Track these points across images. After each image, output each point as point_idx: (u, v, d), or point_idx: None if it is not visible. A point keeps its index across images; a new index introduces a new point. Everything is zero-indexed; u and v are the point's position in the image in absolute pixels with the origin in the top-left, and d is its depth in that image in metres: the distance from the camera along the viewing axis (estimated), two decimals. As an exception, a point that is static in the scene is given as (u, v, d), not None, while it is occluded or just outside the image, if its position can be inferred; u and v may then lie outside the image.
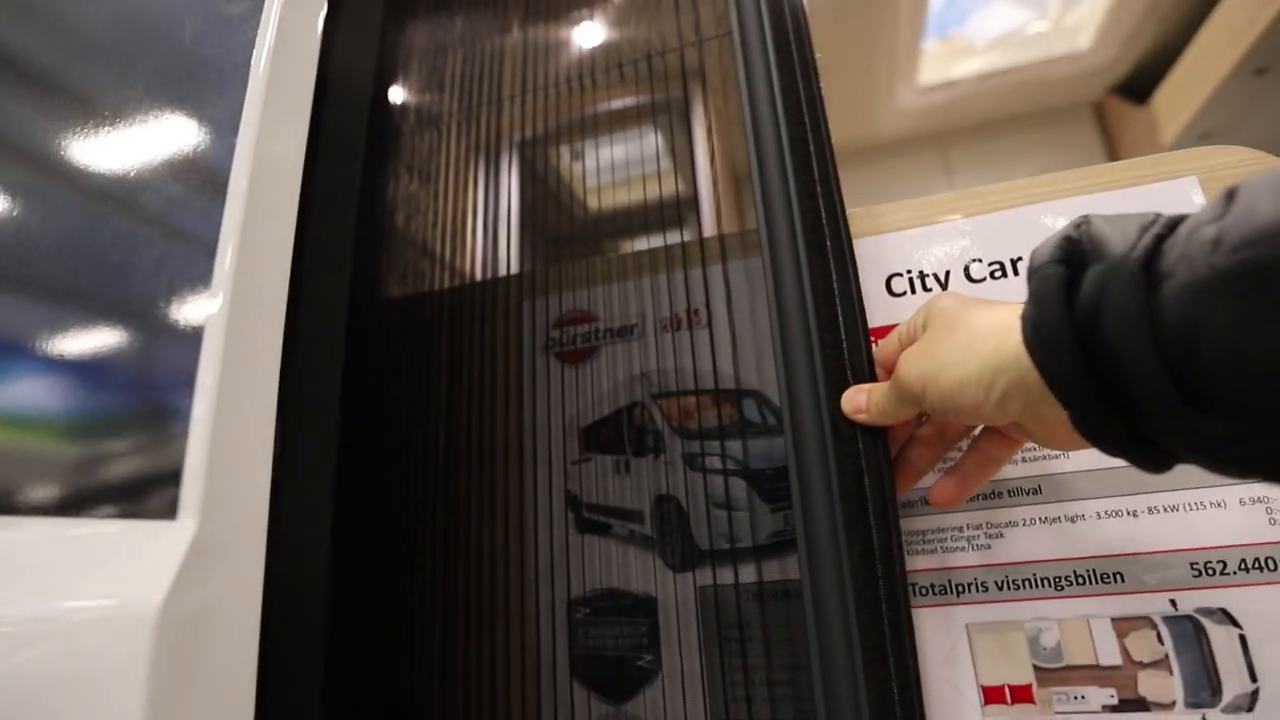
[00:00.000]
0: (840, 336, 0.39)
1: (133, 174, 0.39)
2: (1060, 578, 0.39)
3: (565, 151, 0.61)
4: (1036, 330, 0.26)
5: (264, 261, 0.34)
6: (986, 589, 0.40)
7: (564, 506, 0.50)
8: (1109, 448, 0.26)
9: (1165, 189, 0.43)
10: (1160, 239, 0.23)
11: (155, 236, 0.35)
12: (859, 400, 0.37)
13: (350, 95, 0.61)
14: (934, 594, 0.41)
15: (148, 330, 0.34)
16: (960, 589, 0.40)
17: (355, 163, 0.60)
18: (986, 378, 0.29)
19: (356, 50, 0.62)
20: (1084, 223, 0.27)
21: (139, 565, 0.24)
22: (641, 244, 0.55)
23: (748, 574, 0.45)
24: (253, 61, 0.34)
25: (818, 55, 0.47)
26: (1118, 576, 0.38)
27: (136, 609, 0.23)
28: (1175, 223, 0.24)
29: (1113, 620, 0.38)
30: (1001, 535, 0.41)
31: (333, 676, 0.48)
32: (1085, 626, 0.38)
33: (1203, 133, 2.10)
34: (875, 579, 0.36)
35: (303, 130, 0.39)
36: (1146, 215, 0.25)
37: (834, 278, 0.40)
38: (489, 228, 0.59)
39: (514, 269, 0.57)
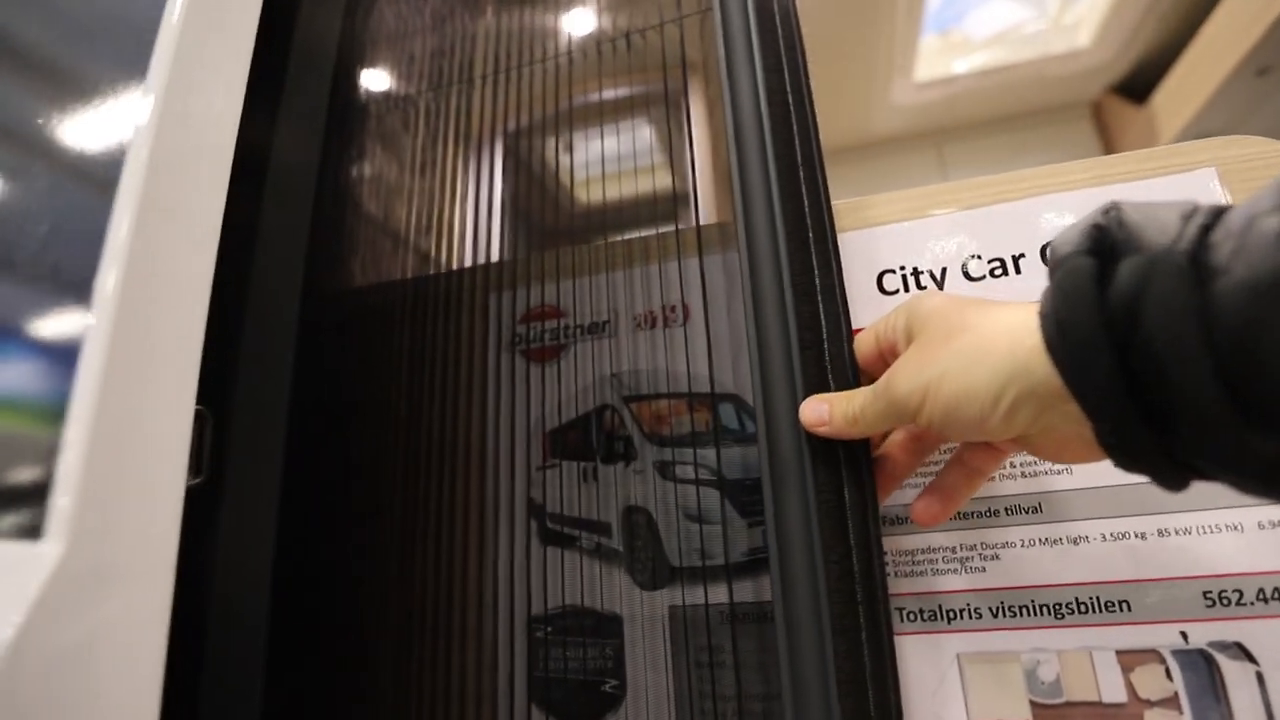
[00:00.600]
0: (821, 336, 0.35)
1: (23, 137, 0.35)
2: (1061, 605, 0.36)
3: (538, 136, 0.57)
4: (1062, 329, 0.23)
5: (177, 235, 0.30)
6: (980, 616, 0.36)
7: (526, 516, 0.46)
8: (1134, 465, 0.23)
9: (1182, 181, 0.40)
10: (1206, 229, 0.21)
11: (47, 209, 0.31)
12: (820, 411, 0.33)
13: (314, 67, 0.57)
14: (922, 620, 0.37)
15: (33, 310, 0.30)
16: (952, 615, 0.37)
17: (316, 138, 0.56)
18: (996, 387, 0.25)
19: (321, 18, 0.58)
20: (1114, 209, 0.24)
21: None
22: (616, 235, 0.51)
23: (720, 594, 0.42)
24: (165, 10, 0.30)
25: (806, 45, 0.43)
26: (1123, 605, 0.35)
27: None
28: (1219, 212, 0.21)
29: (1117, 653, 0.34)
30: (997, 557, 0.37)
31: (275, 705, 0.44)
32: (1087, 659, 0.35)
33: (1202, 133, 2.07)
34: (854, 604, 0.33)
35: (238, 90, 0.35)
36: (1184, 204, 0.22)
37: (816, 273, 0.36)
38: (456, 215, 0.56)
39: (480, 259, 0.53)
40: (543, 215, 0.57)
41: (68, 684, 0.22)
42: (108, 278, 0.27)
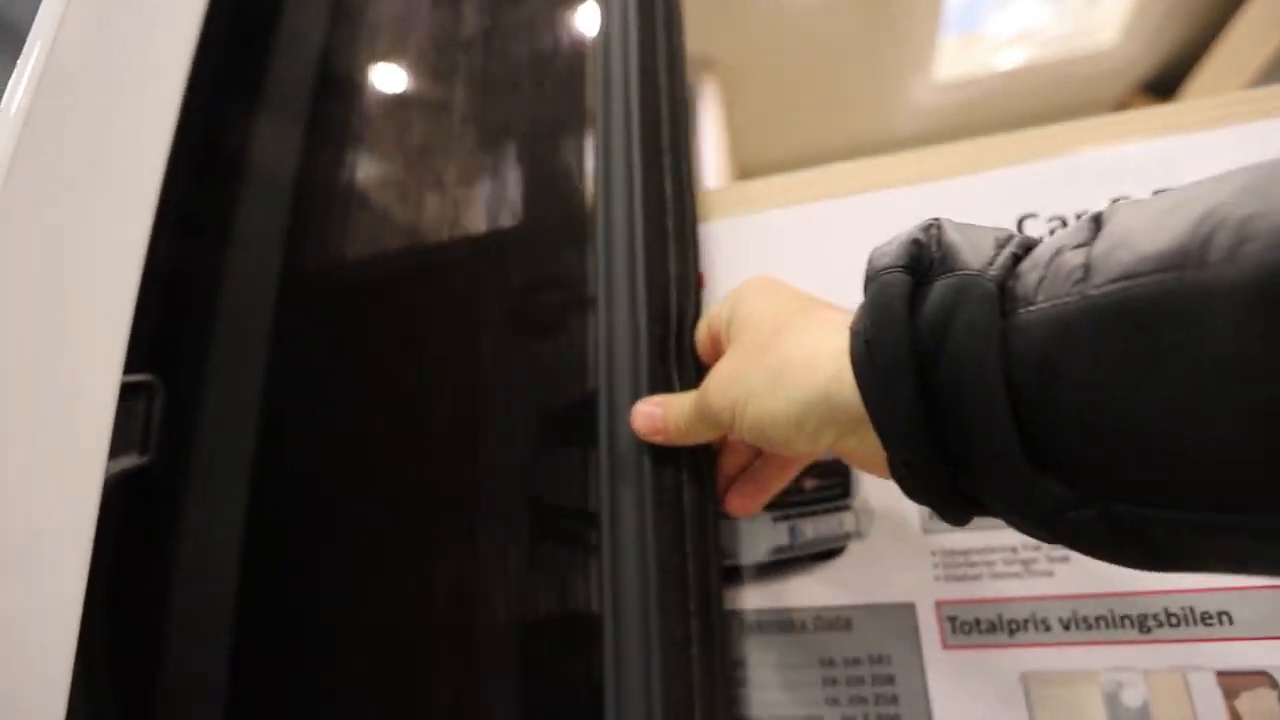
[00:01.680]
0: (669, 329, 0.33)
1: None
2: (1147, 616, 0.30)
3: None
4: (869, 348, 0.21)
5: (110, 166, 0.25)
6: (1049, 628, 0.31)
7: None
8: (921, 498, 0.22)
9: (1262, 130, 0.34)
10: (1017, 259, 0.20)
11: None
12: (655, 417, 0.31)
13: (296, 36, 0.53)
14: (979, 632, 0.32)
15: None
16: (1014, 627, 0.31)
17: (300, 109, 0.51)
18: (795, 414, 0.25)
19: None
20: (935, 226, 0.22)
21: None
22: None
23: (740, 599, 0.37)
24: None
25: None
26: (1223, 617, 0.29)
27: None
28: (1031, 244, 0.21)
29: (1217, 674, 0.29)
30: (1067, 559, 0.32)
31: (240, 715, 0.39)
32: (1180, 681, 0.29)
33: (1234, 133, 2.01)
34: (686, 615, 0.29)
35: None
36: (1001, 230, 0.22)
37: (671, 261, 0.34)
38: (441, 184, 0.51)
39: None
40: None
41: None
42: None
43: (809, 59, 2.14)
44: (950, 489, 0.21)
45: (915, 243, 0.22)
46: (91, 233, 0.24)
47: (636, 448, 0.32)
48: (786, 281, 0.30)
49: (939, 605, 0.33)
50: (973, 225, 0.23)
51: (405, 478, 0.40)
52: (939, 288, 0.20)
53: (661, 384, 0.33)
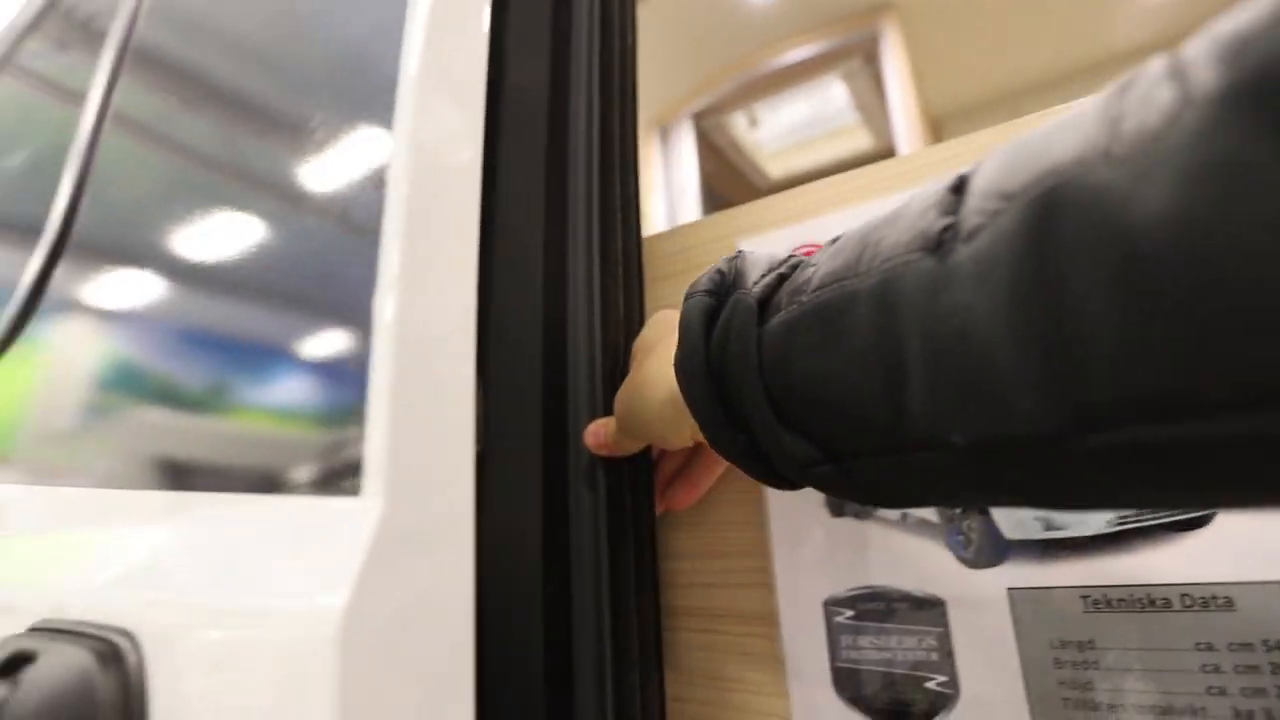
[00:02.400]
0: (618, 362, 0.40)
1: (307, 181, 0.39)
2: None
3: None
4: (681, 356, 0.28)
5: (440, 239, 0.29)
6: None
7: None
8: (742, 465, 0.28)
9: None
10: (783, 277, 0.26)
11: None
12: (599, 435, 0.37)
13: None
14: None
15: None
16: None
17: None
18: (656, 417, 0.33)
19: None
20: (738, 256, 0.29)
21: (323, 553, 0.19)
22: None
23: (1075, 573, 0.33)
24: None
25: None
26: None
27: (319, 606, 0.17)
28: (800, 263, 0.26)
29: None
30: None
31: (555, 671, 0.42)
32: None
33: None
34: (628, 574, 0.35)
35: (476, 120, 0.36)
36: (780, 256, 0.28)
37: (620, 306, 0.40)
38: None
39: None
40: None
41: (397, 640, 0.20)
42: (385, 301, 0.26)
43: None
44: (750, 455, 0.27)
45: (719, 271, 0.29)
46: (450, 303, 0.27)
47: (591, 459, 0.38)
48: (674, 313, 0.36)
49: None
50: (764, 253, 0.29)
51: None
52: (728, 304, 0.27)
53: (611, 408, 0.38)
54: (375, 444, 0.21)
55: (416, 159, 0.31)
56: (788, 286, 0.25)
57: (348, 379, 0.28)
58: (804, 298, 0.23)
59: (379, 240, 0.28)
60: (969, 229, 0.18)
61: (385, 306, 0.27)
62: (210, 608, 0.22)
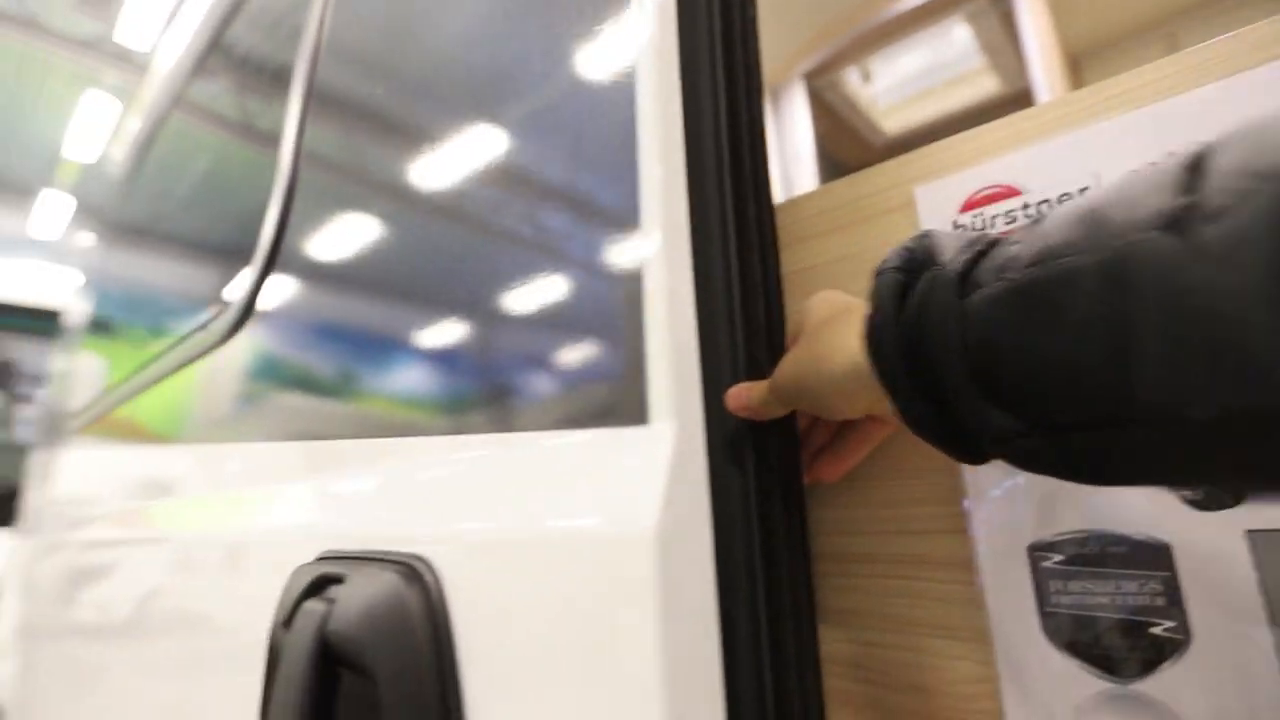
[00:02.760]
0: (757, 329, 0.41)
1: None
2: None
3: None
4: (872, 328, 0.29)
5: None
6: None
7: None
8: (929, 436, 0.29)
9: None
10: (981, 254, 0.27)
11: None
12: (741, 396, 0.37)
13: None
14: None
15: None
16: None
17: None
18: (835, 386, 0.34)
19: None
20: (925, 236, 0.31)
21: (624, 478, 0.21)
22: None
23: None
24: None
25: None
26: None
27: (634, 528, 0.20)
28: (996, 241, 0.27)
29: None
30: None
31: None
32: None
33: None
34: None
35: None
36: (978, 235, 0.31)
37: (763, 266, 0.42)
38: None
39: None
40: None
41: (683, 549, 0.22)
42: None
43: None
44: (940, 426, 0.28)
45: (907, 249, 0.30)
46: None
47: (737, 421, 0.38)
48: (840, 293, 0.40)
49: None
50: (961, 233, 0.33)
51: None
52: (923, 279, 0.28)
53: (756, 371, 0.39)
54: (660, 379, 0.24)
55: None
56: (987, 264, 0.26)
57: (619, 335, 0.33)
58: (1012, 274, 0.24)
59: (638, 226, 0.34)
60: (1214, 208, 0.19)
61: (656, 275, 0.34)
62: (498, 528, 0.25)
